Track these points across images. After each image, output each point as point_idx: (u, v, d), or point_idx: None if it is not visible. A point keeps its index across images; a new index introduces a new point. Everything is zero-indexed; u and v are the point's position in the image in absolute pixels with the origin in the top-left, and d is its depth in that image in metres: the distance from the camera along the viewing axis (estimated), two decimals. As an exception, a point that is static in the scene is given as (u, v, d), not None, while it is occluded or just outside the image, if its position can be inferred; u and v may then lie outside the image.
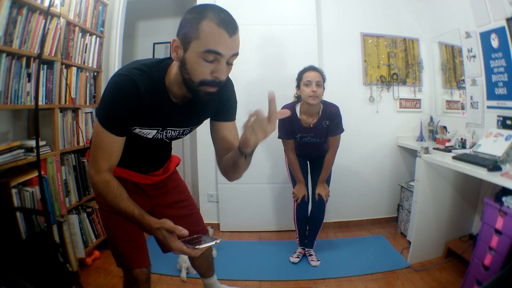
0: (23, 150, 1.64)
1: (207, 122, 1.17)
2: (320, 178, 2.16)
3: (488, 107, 2.10)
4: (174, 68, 0.92)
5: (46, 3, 1.70)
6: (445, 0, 2.49)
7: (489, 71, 2.06)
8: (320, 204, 2.15)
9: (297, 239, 2.26)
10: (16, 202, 1.56)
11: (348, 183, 2.76)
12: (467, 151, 2.02)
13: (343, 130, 2.09)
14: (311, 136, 2.07)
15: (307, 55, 2.57)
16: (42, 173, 1.68)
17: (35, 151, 1.61)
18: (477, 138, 2.14)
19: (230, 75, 0.97)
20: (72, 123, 2.07)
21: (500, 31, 1.92)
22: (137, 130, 0.99)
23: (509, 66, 1.89)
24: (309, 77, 1.95)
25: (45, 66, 1.81)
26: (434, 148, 2.31)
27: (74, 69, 2.07)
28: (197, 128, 1.20)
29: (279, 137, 2.11)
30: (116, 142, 0.94)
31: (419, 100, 2.80)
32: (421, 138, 2.74)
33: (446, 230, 2.15)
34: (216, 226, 2.71)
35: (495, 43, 1.97)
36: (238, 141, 0.99)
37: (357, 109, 2.73)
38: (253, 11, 2.53)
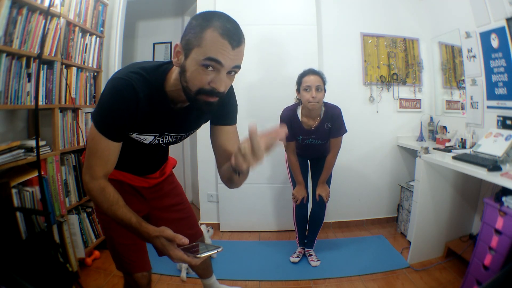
0: (23, 150, 1.64)
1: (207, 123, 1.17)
2: (321, 178, 2.16)
3: (488, 107, 2.10)
4: (174, 73, 0.89)
5: (46, 3, 1.70)
6: (445, 0, 2.49)
7: (489, 71, 2.06)
8: (320, 204, 2.15)
9: (297, 239, 2.27)
10: (16, 202, 1.56)
11: (348, 183, 2.76)
12: (467, 151, 2.02)
13: (346, 131, 2.08)
14: (313, 138, 2.07)
15: (307, 55, 2.57)
16: (42, 173, 1.68)
17: (35, 151, 1.61)
18: (477, 138, 2.14)
19: None
20: (72, 123, 2.07)
21: (500, 31, 1.92)
22: (134, 136, 0.96)
23: (509, 66, 1.89)
24: (309, 82, 1.92)
25: (45, 66, 1.81)
26: (434, 148, 2.31)
27: (74, 69, 2.07)
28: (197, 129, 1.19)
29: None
30: (112, 147, 0.90)
31: (419, 100, 2.80)
32: (421, 138, 2.74)
33: (446, 230, 2.15)
34: (216, 226, 2.71)
35: (495, 43, 1.97)
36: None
37: (357, 109, 2.73)
38: (253, 11, 2.53)
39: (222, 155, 1.00)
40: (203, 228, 2.27)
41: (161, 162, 1.30)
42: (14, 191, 1.55)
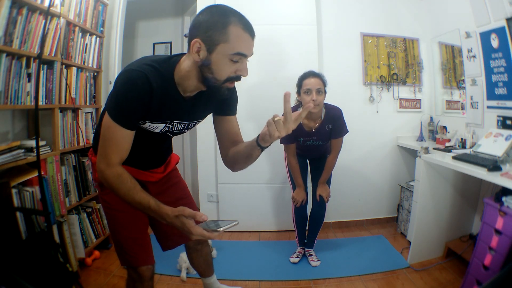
0: (23, 150, 1.64)
1: (207, 123, 1.18)
2: (321, 179, 2.16)
3: (488, 107, 2.10)
4: (184, 65, 0.96)
5: (46, 3, 1.70)
6: (445, 0, 2.49)
7: (489, 71, 2.06)
8: (321, 204, 2.15)
9: (296, 239, 2.27)
10: (16, 202, 1.56)
11: (348, 183, 2.76)
12: (467, 151, 2.02)
13: (347, 131, 2.08)
14: (314, 140, 2.06)
15: (307, 55, 2.57)
16: (42, 173, 1.68)
17: (35, 151, 1.60)
18: (477, 138, 2.14)
19: None
20: (72, 123, 2.07)
21: (500, 31, 1.92)
22: (147, 125, 1.01)
23: (509, 66, 1.89)
24: (309, 85, 1.91)
25: (45, 66, 1.81)
26: (434, 148, 2.31)
27: (74, 69, 2.07)
28: (197, 128, 1.22)
29: (281, 142, 2.09)
30: (127, 136, 0.96)
31: (419, 100, 2.80)
32: (421, 138, 2.74)
33: (446, 230, 2.15)
34: (216, 226, 2.71)
35: (495, 43, 1.97)
36: (240, 133, 1.11)
37: (357, 109, 2.73)
38: (253, 11, 2.53)
39: (228, 141, 1.12)
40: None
41: (165, 156, 1.33)
42: (14, 191, 1.55)
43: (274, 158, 2.62)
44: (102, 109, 2.24)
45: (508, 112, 1.92)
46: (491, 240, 1.59)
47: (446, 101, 2.67)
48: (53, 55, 1.86)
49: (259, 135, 0.94)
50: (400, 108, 2.78)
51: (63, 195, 1.92)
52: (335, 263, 2.16)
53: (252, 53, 0.94)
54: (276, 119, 0.83)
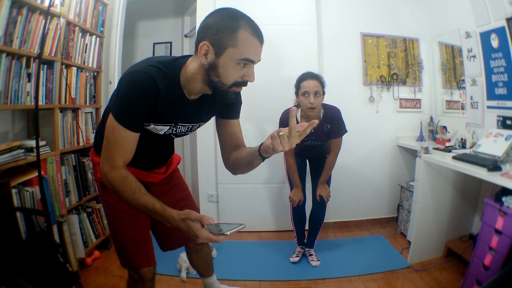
0: (23, 150, 1.64)
1: (207, 123, 1.18)
2: (321, 179, 2.15)
3: (488, 107, 2.10)
4: (190, 67, 0.95)
5: (46, 3, 1.70)
6: (445, 0, 2.49)
7: (489, 71, 2.06)
8: (321, 204, 2.15)
9: (296, 239, 2.27)
10: (16, 202, 1.56)
11: (348, 183, 2.76)
12: (467, 151, 2.02)
13: (346, 131, 2.08)
14: (312, 140, 2.07)
15: (307, 55, 2.57)
16: (42, 173, 1.68)
17: (35, 151, 1.60)
18: (477, 138, 2.14)
19: None
20: (72, 123, 2.07)
21: (500, 31, 1.92)
22: (151, 127, 1.01)
23: (509, 66, 1.89)
24: (307, 87, 1.90)
25: (45, 66, 1.81)
26: (434, 148, 2.31)
27: (74, 69, 2.07)
28: (197, 129, 1.21)
29: None
30: (132, 138, 0.95)
31: (419, 100, 2.80)
32: (421, 138, 2.74)
33: (446, 230, 2.15)
34: (216, 226, 2.71)
35: (495, 43, 1.97)
36: (242, 137, 1.10)
37: (357, 109, 2.73)
38: (253, 11, 2.50)
39: (230, 144, 1.11)
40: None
41: (167, 157, 1.33)
42: (14, 191, 1.55)
43: (274, 158, 2.58)
44: (103, 109, 2.24)
45: (508, 112, 1.92)
46: (491, 240, 1.59)
47: (446, 101, 2.67)
48: (53, 55, 1.86)
49: (261, 144, 0.92)
50: (400, 108, 2.78)
51: (63, 195, 1.92)
52: (335, 263, 2.16)
53: (260, 60, 0.93)
54: (281, 133, 0.81)
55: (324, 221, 2.23)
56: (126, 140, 0.94)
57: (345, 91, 2.69)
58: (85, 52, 2.21)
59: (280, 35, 2.58)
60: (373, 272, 2.04)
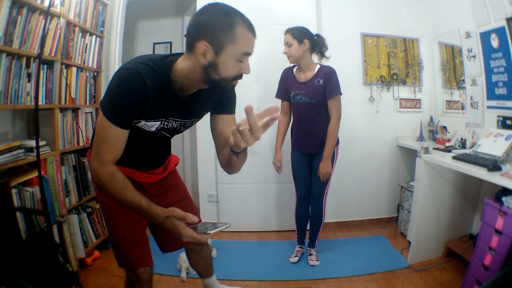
0: (23, 150, 1.64)
1: (207, 123, 1.17)
2: (325, 152, 2.04)
3: (488, 107, 2.10)
4: (183, 66, 0.95)
5: (46, 3, 1.70)
6: (445, 0, 2.49)
7: (489, 71, 2.06)
8: (318, 204, 2.14)
9: (296, 237, 2.28)
10: (16, 202, 1.56)
11: (348, 183, 2.76)
12: (467, 151, 2.02)
13: (341, 94, 2.06)
14: (302, 95, 2.05)
15: (307, 55, 2.56)
16: (42, 173, 1.68)
17: (35, 151, 1.61)
18: (477, 138, 2.14)
19: None
20: (72, 123, 2.07)
21: (500, 31, 1.92)
22: (142, 123, 1.01)
23: (509, 66, 1.89)
24: (284, 42, 2.06)
25: (45, 66, 1.81)
26: (434, 148, 2.31)
27: (74, 69, 2.07)
28: (197, 128, 1.21)
29: (276, 96, 2.20)
30: (120, 135, 0.95)
31: (419, 100, 2.80)
32: (421, 138, 2.74)
33: (446, 230, 2.15)
34: (216, 226, 2.71)
35: (495, 43, 1.97)
36: None
37: (357, 109, 2.73)
38: (253, 11, 2.52)
39: (221, 142, 1.09)
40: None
41: (164, 157, 1.32)
42: (14, 191, 1.55)
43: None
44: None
45: (508, 112, 1.92)
46: (491, 240, 1.59)
47: (446, 101, 2.67)
48: (53, 55, 1.86)
49: None
50: (400, 108, 2.78)
51: (63, 195, 1.92)
52: (335, 263, 2.16)
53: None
54: (240, 128, 0.76)
55: (324, 221, 2.23)
56: (115, 137, 0.94)
57: (345, 91, 2.65)
58: (85, 52, 2.21)
59: (280, 35, 2.57)
60: (373, 272, 2.04)
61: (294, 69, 2.15)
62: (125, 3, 2.66)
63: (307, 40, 2.01)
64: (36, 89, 1.64)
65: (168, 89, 0.97)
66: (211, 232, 0.85)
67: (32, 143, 1.64)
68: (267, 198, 2.71)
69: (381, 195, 2.84)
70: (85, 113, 2.23)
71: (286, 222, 2.66)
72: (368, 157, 2.79)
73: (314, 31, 2.60)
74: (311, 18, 2.61)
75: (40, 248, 1.58)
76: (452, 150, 2.14)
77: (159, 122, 1.03)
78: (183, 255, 1.98)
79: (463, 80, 2.36)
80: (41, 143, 1.74)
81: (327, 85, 2.02)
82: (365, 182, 2.81)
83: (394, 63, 2.76)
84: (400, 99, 2.78)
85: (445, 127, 2.55)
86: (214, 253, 2.23)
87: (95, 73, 2.38)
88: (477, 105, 2.20)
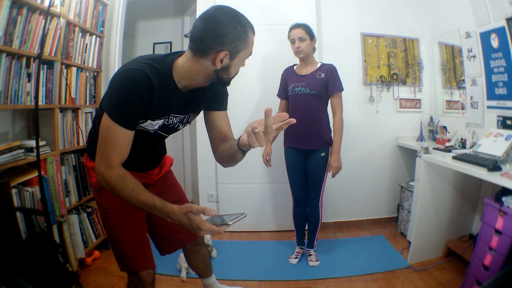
0: (23, 150, 1.64)
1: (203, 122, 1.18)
2: (334, 146, 2.07)
3: (488, 107, 2.10)
4: (187, 65, 0.97)
5: (46, 3, 1.70)
6: (445, 0, 2.49)
7: (489, 71, 2.06)
8: (313, 205, 2.14)
9: (295, 238, 2.27)
10: (16, 202, 1.56)
11: (348, 183, 2.76)
12: (467, 151, 2.02)
13: (343, 89, 2.08)
14: (302, 86, 2.05)
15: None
16: (42, 173, 1.68)
17: (35, 151, 1.61)
18: (477, 138, 2.14)
19: None
20: (72, 123, 2.07)
21: (500, 31, 1.92)
22: (148, 123, 1.02)
23: (509, 66, 1.89)
24: (293, 35, 2.04)
25: (45, 66, 1.81)
26: (434, 148, 2.31)
27: (74, 69, 2.07)
28: (197, 128, 1.23)
29: (277, 95, 2.23)
30: (127, 136, 0.95)
31: (419, 100, 2.80)
32: (421, 138, 2.74)
33: (446, 230, 2.15)
34: (216, 226, 2.71)
35: (495, 43, 1.97)
36: (230, 129, 1.14)
37: (357, 109, 2.73)
38: (253, 11, 2.53)
39: (218, 136, 1.14)
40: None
41: (160, 157, 1.33)
42: (14, 191, 1.55)
43: (275, 158, 2.61)
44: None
45: (508, 112, 1.92)
46: (491, 240, 1.59)
47: (446, 101, 2.67)
48: (53, 55, 1.86)
49: (239, 138, 0.93)
50: (400, 108, 2.78)
51: (63, 195, 1.92)
52: (335, 263, 2.16)
53: None
54: (256, 131, 0.81)
55: (324, 221, 2.23)
56: (122, 139, 0.94)
57: (345, 91, 2.66)
58: (85, 52, 2.21)
59: (280, 35, 2.57)
60: (373, 272, 2.04)
61: (295, 67, 2.16)
62: (125, 3, 2.67)
63: (315, 38, 2.06)
64: (36, 89, 1.64)
65: (172, 87, 0.99)
66: (230, 222, 0.85)
67: (32, 143, 1.64)
68: (267, 198, 2.71)
69: (381, 195, 2.84)
70: (85, 113, 2.23)
71: (286, 222, 2.65)
72: (368, 157, 2.79)
73: (314, 31, 2.61)
74: (311, 18, 2.60)
75: (40, 248, 1.58)
76: (452, 150, 2.14)
77: (162, 120, 1.05)
78: (183, 255, 1.98)
79: (463, 80, 2.36)
80: (41, 143, 1.74)
81: (330, 80, 2.04)
82: (365, 182, 2.81)
83: (394, 63, 2.76)
84: (400, 99, 2.78)
85: (445, 127, 2.55)
86: (214, 253, 2.23)
87: (95, 73, 2.38)
88: (477, 105, 2.20)
